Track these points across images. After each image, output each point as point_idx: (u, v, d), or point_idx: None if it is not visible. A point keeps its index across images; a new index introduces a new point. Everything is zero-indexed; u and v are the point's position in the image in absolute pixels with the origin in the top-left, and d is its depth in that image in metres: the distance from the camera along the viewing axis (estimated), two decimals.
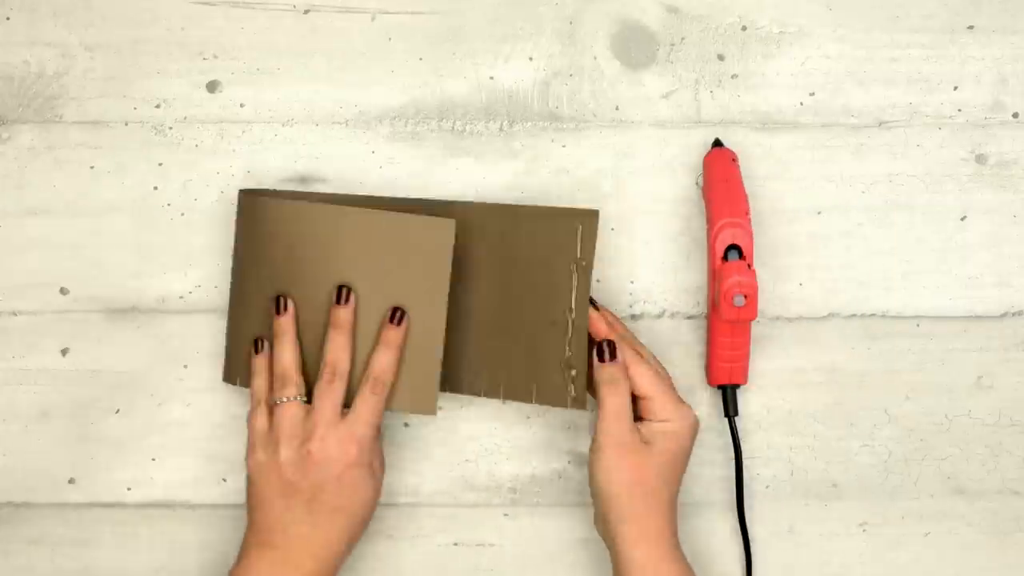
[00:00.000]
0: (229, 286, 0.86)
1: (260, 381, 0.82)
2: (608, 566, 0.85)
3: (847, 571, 0.89)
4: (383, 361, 0.80)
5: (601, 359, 0.79)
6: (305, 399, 0.80)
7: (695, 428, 0.81)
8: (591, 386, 0.81)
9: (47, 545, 0.88)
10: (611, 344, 0.80)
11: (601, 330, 0.81)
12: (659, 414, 0.80)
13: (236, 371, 0.85)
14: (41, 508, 0.88)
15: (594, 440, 0.80)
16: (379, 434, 0.82)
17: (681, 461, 0.81)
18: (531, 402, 0.83)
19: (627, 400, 0.79)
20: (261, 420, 0.81)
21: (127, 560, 0.88)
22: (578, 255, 0.79)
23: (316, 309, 0.81)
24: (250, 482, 0.80)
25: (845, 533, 0.89)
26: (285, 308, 0.81)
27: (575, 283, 0.80)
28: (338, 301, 0.80)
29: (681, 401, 0.81)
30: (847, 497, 0.88)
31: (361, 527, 0.81)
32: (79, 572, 0.88)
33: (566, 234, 0.80)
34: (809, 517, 0.88)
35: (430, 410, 0.82)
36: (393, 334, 0.80)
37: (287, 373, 0.80)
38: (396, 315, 0.80)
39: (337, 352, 0.80)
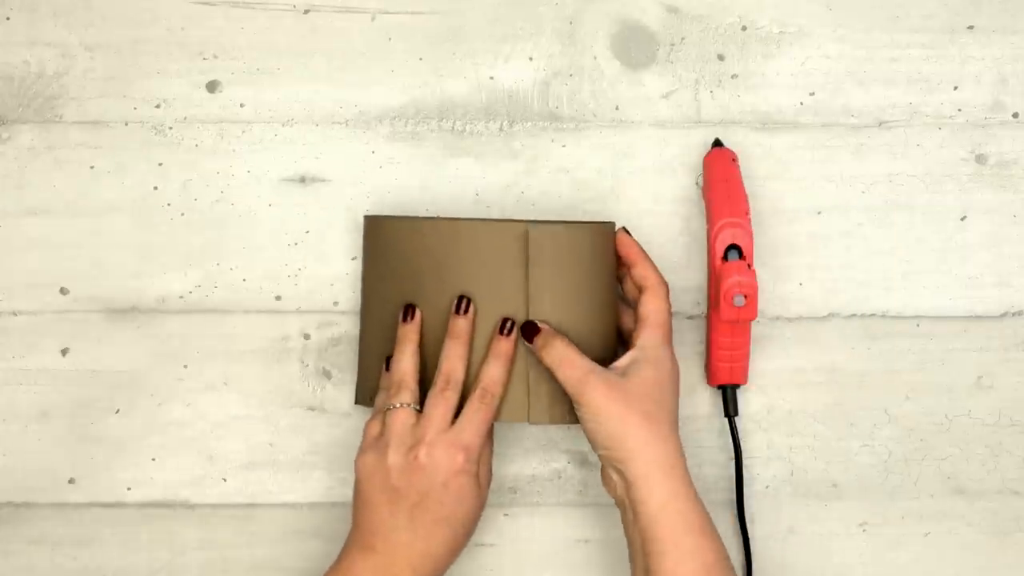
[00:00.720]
0: (359, 311, 0.86)
1: (384, 395, 0.82)
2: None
3: (847, 571, 0.89)
4: (492, 372, 0.79)
5: (530, 340, 0.79)
6: (418, 408, 0.80)
7: (672, 366, 0.80)
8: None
9: (47, 545, 0.88)
10: (530, 324, 0.79)
11: (634, 252, 0.83)
12: (640, 339, 0.80)
13: (367, 392, 0.84)
14: (41, 508, 0.88)
15: (573, 400, 0.78)
16: (488, 445, 0.81)
17: (667, 385, 0.79)
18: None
19: (569, 349, 0.78)
20: (375, 425, 0.81)
21: (127, 560, 0.88)
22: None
23: (437, 324, 0.80)
24: (357, 483, 0.80)
25: (845, 533, 0.88)
26: (411, 316, 0.81)
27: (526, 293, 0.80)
28: (457, 311, 0.79)
29: (669, 343, 0.81)
30: (847, 497, 0.88)
31: (464, 539, 0.79)
32: (79, 572, 0.88)
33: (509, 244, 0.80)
34: (809, 517, 0.88)
35: (562, 419, 0.82)
36: (504, 345, 0.79)
37: (404, 379, 0.80)
38: (506, 326, 0.79)
39: (453, 361, 0.79)
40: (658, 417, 0.78)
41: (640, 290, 0.82)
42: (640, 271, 0.83)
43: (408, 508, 0.77)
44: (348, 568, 0.78)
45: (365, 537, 0.78)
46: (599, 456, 0.79)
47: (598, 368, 0.78)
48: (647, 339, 0.80)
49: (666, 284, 0.82)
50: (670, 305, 0.82)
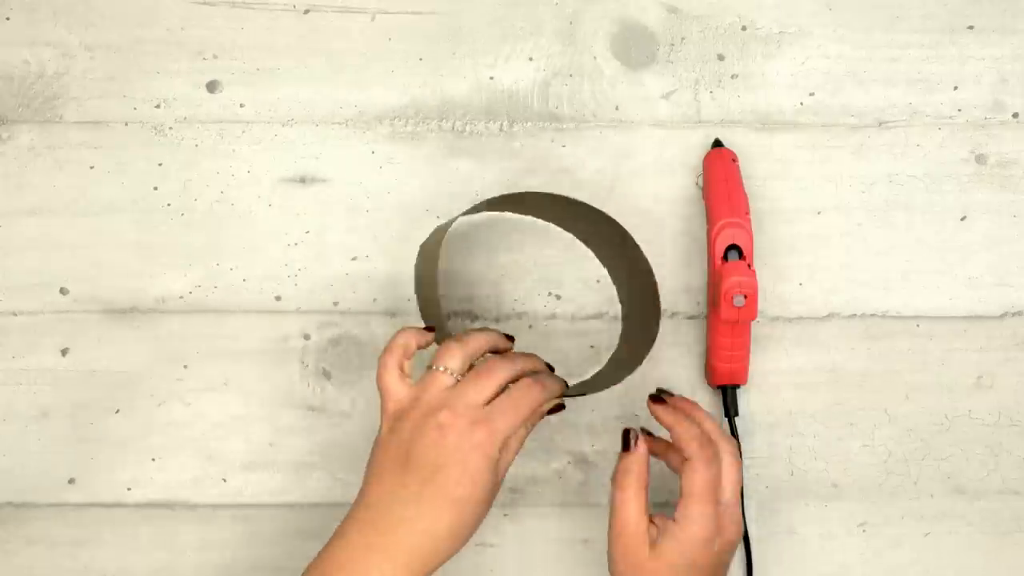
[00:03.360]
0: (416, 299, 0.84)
1: (434, 358, 0.75)
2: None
3: (847, 571, 0.89)
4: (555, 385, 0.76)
5: (625, 448, 0.76)
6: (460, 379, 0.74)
7: (711, 542, 0.74)
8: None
9: (47, 545, 0.88)
10: (635, 433, 0.76)
11: (666, 419, 0.77)
12: (679, 512, 0.74)
13: None
14: (41, 508, 0.88)
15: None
16: (517, 441, 0.74)
17: (681, 572, 0.73)
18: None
19: (633, 493, 0.74)
20: (411, 390, 0.74)
21: (127, 560, 0.88)
22: None
23: None
24: (373, 449, 0.74)
25: (845, 533, 0.89)
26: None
27: None
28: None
29: (714, 514, 0.74)
30: (847, 497, 0.88)
31: (470, 527, 0.72)
32: (79, 572, 0.88)
33: None
34: (809, 517, 0.88)
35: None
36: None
37: (467, 349, 0.74)
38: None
39: (525, 362, 0.75)
40: None
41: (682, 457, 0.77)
42: (678, 436, 0.77)
43: (419, 481, 0.71)
44: (342, 545, 0.71)
45: (366, 510, 0.72)
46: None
47: (642, 521, 0.74)
48: (690, 515, 0.74)
49: (707, 453, 0.75)
50: (711, 472, 0.75)
